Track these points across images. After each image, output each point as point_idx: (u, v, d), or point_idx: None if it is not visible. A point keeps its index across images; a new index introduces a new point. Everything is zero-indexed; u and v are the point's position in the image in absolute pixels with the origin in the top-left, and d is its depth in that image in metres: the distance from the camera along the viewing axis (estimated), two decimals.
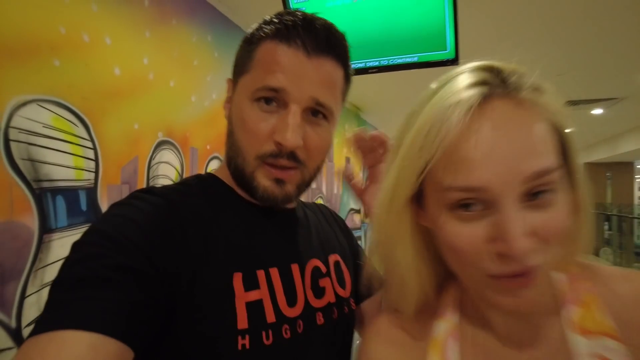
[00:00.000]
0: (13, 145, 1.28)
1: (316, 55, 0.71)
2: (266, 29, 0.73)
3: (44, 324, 0.52)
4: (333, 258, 0.86)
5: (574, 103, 5.40)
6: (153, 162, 1.86)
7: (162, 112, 1.91)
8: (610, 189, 10.33)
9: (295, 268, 0.76)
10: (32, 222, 1.35)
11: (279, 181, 0.73)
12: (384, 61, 2.05)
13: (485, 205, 0.46)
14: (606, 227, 9.39)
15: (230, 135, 0.76)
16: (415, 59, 2.00)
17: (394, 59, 2.02)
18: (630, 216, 8.72)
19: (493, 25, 3.06)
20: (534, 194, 0.45)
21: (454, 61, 1.97)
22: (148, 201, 0.66)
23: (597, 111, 5.89)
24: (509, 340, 0.56)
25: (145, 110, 1.81)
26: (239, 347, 0.62)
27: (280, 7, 1.82)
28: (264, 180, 0.73)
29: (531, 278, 0.46)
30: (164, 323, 0.59)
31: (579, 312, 0.53)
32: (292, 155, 0.71)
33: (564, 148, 0.49)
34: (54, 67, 1.41)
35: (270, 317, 0.67)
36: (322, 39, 0.71)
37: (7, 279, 1.28)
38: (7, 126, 1.26)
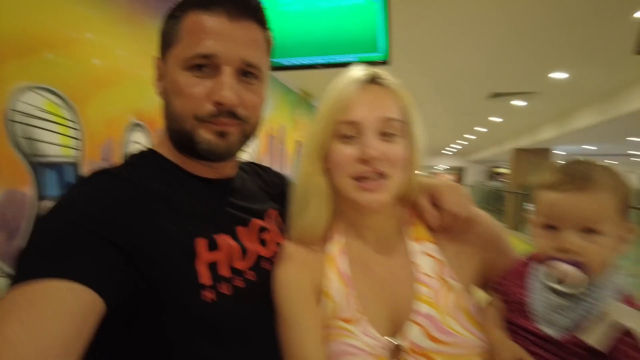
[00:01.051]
0: (15, 125, 1.52)
1: (238, 19, 0.76)
2: (188, 1, 0.78)
3: (26, 274, 0.56)
4: (272, 213, 0.94)
5: (498, 95, 6.03)
6: (126, 142, 2.12)
7: (134, 99, 2.16)
8: (533, 172, 11.44)
9: (243, 230, 0.85)
10: (31, 191, 1.60)
11: (221, 134, 0.77)
12: (328, 59, 2.40)
13: (358, 135, 0.80)
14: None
15: (167, 106, 0.80)
16: (355, 59, 2.37)
17: (337, 57, 2.38)
18: None
19: (423, 31, 3.49)
20: (386, 134, 0.80)
21: (386, 62, 2.36)
22: (110, 182, 0.73)
23: (519, 103, 6.60)
24: (376, 250, 0.87)
25: (120, 97, 2.06)
26: (208, 300, 0.72)
27: None
28: (205, 134, 0.77)
29: (381, 183, 0.79)
30: (135, 289, 0.65)
31: (412, 229, 0.88)
32: (231, 114, 0.77)
33: (406, 119, 0.84)
34: (47, 59, 1.65)
35: (227, 272, 0.77)
36: (242, 4, 0.77)
37: (12, 237, 1.53)
38: (11, 110, 1.50)
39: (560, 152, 11.67)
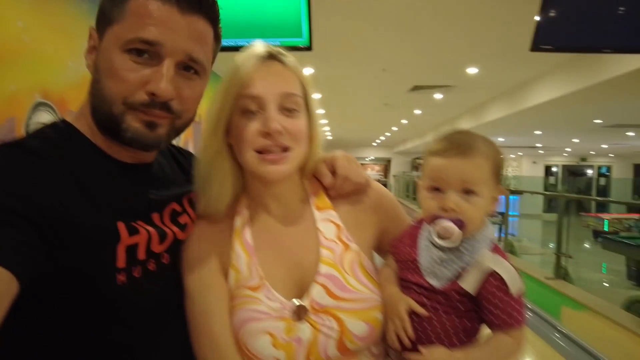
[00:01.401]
0: None
1: (189, 13, 0.74)
2: None
3: None
4: (191, 196, 0.94)
5: (419, 88, 6.36)
6: (30, 122, 1.96)
7: (39, 75, 2.00)
8: None
9: (158, 215, 0.85)
10: None
11: (150, 124, 0.75)
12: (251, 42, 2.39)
13: (260, 109, 0.81)
14: None
15: (96, 83, 0.76)
16: (277, 43, 2.38)
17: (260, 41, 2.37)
18: None
19: (346, 22, 3.59)
20: (287, 110, 0.82)
21: (308, 48, 2.40)
22: (26, 158, 0.69)
23: (438, 96, 7.01)
24: (282, 220, 0.90)
25: (21, 73, 1.90)
26: (119, 283, 0.73)
27: None
28: (133, 122, 0.74)
29: (284, 156, 0.81)
30: (52, 269, 0.64)
31: (315, 199, 0.93)
32: (165, 106, 0.75)
33: (305, 95, 0.88)
34: None
35: (143, 255, 0.77)
36: None
37: None
38: None
39: None
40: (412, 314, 0.80)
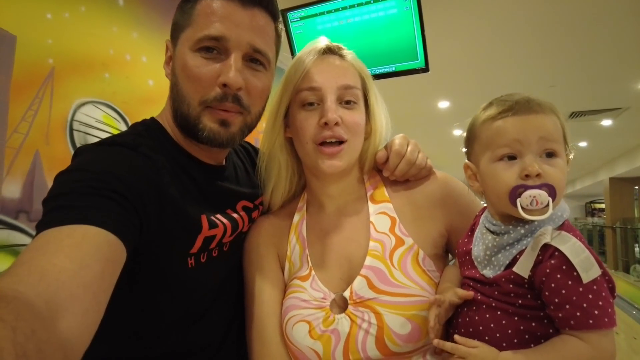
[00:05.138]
0: (75, 133, 1.75)
1: (250, 6, 0.79)
2: None
3: (54, 221, 0.57)
4: (260, 198, 0.99)
5: (579, 114, 5.58)
6: None
7: None
8: (638, 204, 10.13)
9: (230, 210, 0.90)
10: None
11: (223, 123, 0.79)
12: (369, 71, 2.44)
13: (319, 103, 0.83)
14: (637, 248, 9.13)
15: (174, 87, 0.81)
16: (392, 69, 2.40)
17: (376, 69, 2.42)
18: None
19: (460, 40, 3.36)
20: (346, 102, 0.83)
21: (425, 69, 2.35)
22: (125, 152, 0.75)
23: (606, 122, 6.03)
24: (336, 216, 0.91)
25: None
26: (189, 266, 0.80)
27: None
28: (209, 123, 0.79)
29: (340, 149, 0.82)
30: (139, 251, 0.69)
31: (373, 192, 0.91)
32: (236, 99, 0.78)
33: (365, 88, 0.87)
34: (105, 79, 1.89)
35: (213, 245, 0.84)
36: None
37: None
38: (72, 119, 1.73)
39: None
40: (466, 313, 0.69)
